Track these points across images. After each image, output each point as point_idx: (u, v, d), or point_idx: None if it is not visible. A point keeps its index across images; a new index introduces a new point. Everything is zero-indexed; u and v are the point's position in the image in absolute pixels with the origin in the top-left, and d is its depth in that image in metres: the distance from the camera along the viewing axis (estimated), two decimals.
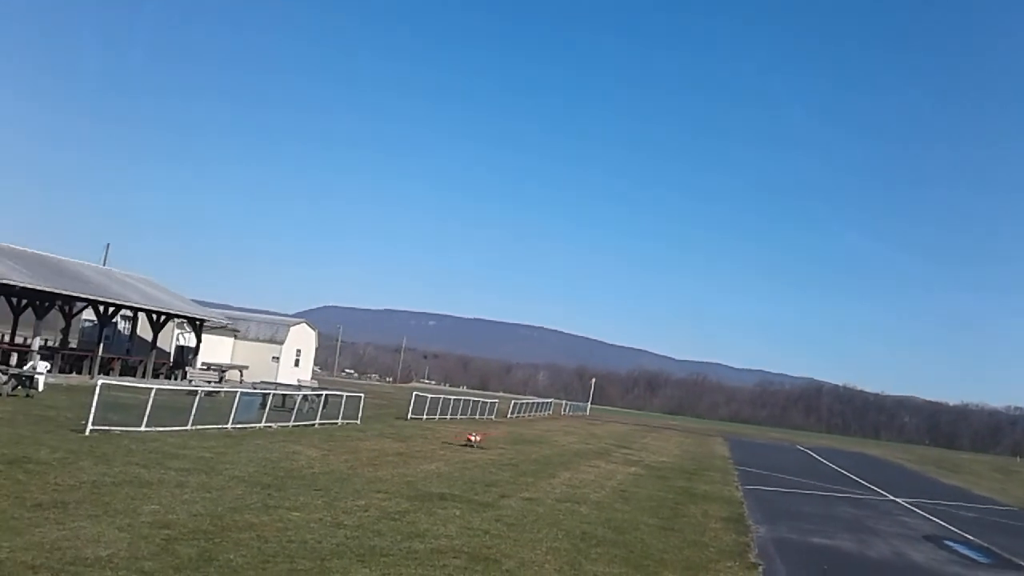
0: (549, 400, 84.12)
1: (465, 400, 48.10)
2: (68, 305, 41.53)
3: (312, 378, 59.39)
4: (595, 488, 20.29)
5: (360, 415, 31.19)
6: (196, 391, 25.96)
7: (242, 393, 24.49)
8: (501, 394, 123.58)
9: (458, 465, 21.23)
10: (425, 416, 39.22)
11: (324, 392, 31.30)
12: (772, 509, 21.47)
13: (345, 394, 32.33)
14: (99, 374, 35.43)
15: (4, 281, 31.03)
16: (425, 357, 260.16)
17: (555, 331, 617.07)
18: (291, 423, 25.61)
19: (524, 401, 68.49)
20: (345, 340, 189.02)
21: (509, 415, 55.21)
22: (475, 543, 11.37)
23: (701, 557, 12.93)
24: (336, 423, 28.30)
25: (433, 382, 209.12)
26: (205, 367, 44.06)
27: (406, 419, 37.15)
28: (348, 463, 18.59)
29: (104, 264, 48.13)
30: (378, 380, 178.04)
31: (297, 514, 11.81)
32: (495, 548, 11.21)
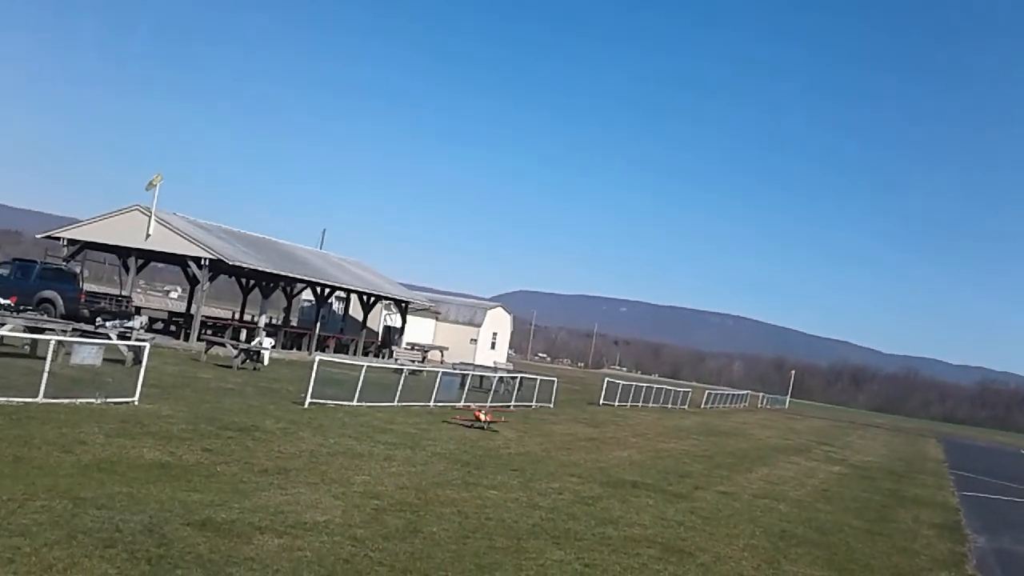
0: (745, 392, 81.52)
1: (657, 388, 47.62)
2: (290, 286, 44.93)
3: (507, 361, 60.94)
4: (795, 486, 19.53)
5: (553, 399, 31.67)
6: (401, 369, 27.35)
7: (443, 373, 25.58)
8: (694, 384, 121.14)
9: (651, 454, 21.14)
10: (617, 403, 39.25)
11: (519, 375, 32.07)
12: (993, 518, 19.81)
13: (539, 378, 32.92)
14: (316, 351, 38.07)
15: (236, 263, 33.96)
16: (616, 343, 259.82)
17: (751, 320, 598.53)
18: (488, 404, 26.40)
19: (719, 392, 66.89)
20: (538, 324, 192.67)
21: (703, 405, 54.18)
22: (669, 534, 11.28)
23: (911, 565, 12.15)
24: (530, 406, 28.90)
25: (624, 368, 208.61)
26: (409, 347, 46.20)
27: (598, 405, 37.34)
28: (542, 446, 18.97)
29: (321, 248, 51.57)
30: (569, 365, 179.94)
31: (494, 492, 12.21)
32: (689, 540, 11.07)
